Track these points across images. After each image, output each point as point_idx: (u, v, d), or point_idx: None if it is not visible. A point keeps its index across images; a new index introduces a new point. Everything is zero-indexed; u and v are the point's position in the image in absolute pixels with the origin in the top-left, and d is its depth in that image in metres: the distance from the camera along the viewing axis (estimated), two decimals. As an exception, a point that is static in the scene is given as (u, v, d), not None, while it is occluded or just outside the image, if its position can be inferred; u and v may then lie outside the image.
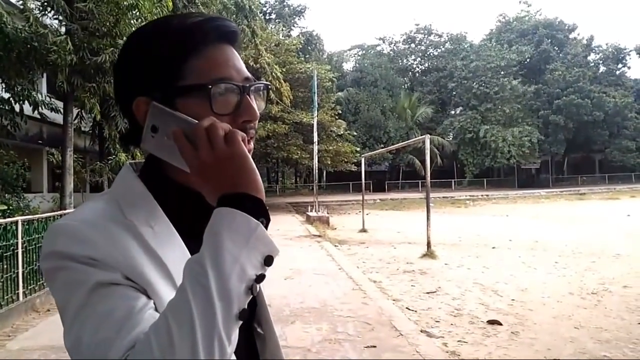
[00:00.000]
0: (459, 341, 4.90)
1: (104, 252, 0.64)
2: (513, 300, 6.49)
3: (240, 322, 0.60)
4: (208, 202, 0.67)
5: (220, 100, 0.71)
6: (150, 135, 0.68)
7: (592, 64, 47.77)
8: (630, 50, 48.38)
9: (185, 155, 0.65)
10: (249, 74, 0.76)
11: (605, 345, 4.70)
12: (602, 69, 48.15)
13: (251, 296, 0.61)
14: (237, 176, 0.64)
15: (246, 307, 0.60)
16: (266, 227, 0.64)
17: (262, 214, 0.63)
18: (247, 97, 0.74)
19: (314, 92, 20.92)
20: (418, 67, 55.77)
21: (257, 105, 0.77)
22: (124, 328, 0.59)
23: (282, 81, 24.77)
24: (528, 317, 5.71)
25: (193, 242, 0.69)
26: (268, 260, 0.62)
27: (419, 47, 54.83)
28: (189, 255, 0.69)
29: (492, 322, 5.46)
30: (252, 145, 0.75)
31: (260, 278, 0.61)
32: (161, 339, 0.56)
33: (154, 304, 0.64)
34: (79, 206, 0.74)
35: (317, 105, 22.62)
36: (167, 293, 0.66)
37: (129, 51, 0.76)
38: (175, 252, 0.70)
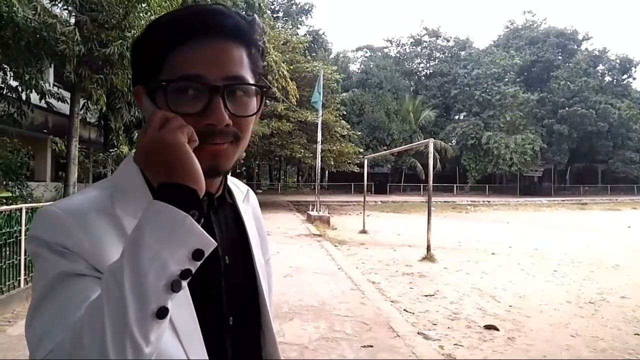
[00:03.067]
0: (455, 344, 4.93)
1: (76, 241, 0.64)
2: (510, 306, 6.52)
3: (162, 322, 0.57)
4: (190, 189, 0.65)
5: (182, 98, 0.70)
6: (142, 127, 0.71)
7: (599, 74, 47.59)
8: (638, 63, 48.19)
9: (137, 144, 0.67)
10: (235, 74, 0.72)
11: (600, 355, 4.73)
12: (607, 79, 47.97)
13: (174, 293, 0.57)
14: (170, 165, 0.62)
15: (168, 305, 0.57)
16: (199, 220, 0.60)
17: (193, 206, 0.60)
18: (218, 99, 0.70)
19: (320, 92, 20.94)
20: (423, 70, 55.70)
21: (243, 105, 0.74)
22: (66, 323, 0.58)
23: (289, 79, 24.77)
24: (525, 323, 5.73)
25: None
26: (197, 254, 0.59)
27: (425, 50, 54.77)
28: None
29: (489, 327, 5.48)
30: (225, 147, 0.73)
31: (186, 274, 0.58)
32: (73, 338, 0.55)
33: None
34: (77, 192, 0.76)
35: (322, 105, 22.62)
36: None
37: (136, 40, 0.78)
38: None
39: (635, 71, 48.89)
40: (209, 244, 0.60)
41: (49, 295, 0.63)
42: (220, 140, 0.72)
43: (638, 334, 5.37)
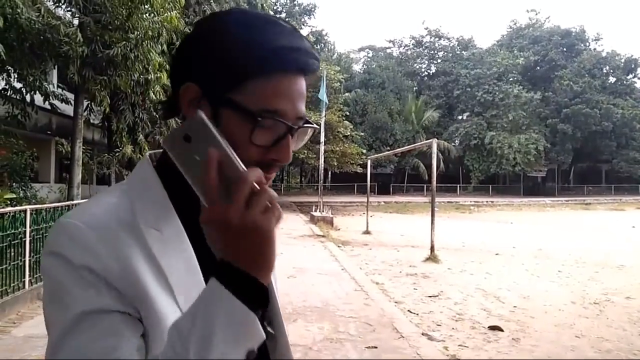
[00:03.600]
0: (459, 345, 4.92)
1: (103, 263, 0.63)
2: (515, 307, 6.50)
3: None
4: None
5: (262, 132, 0.67)
6: (179, 140, 0.61)
7: (604, 73, 47.38)
8: None
9: (210, 194, 0.59)
10: (303, 113, 0.72)
11: (605, 355, 4.71)
12: (612, 79, 47.77)
13: None
14: (254, 255, 0.59)
15: None
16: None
17: (262, 304, 0.59)
18: (289, 138, 0.69)
19: (323, 92, 20.94)
20: (426, 70, 55.66)
21: (295, 143, 0.73)
22: None
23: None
24: (529, 324, 5.71)
25: (201, 244, 0.69)
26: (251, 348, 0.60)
27: (427, 50, 54.74)
28: (196, 264, 0.69)
29: (493, 328, 5.47)
30: (270, 182, 0.71)
31: None
32: None
33: (147, 325, 0.64)
34: (92, 198, 0.73)
35: (326, 104, 22.62)
36: (164, 306, 0.65)
37: (207, 32, 0.71)
38: (180, 261, 0.68)
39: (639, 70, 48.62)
40: (261, 340, 0.60)
41: (69, 335, 0.61)
42: (273, 172, 0.71)
43: (643, 335, 5.35)
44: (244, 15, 0.71)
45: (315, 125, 0.76)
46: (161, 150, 0.75)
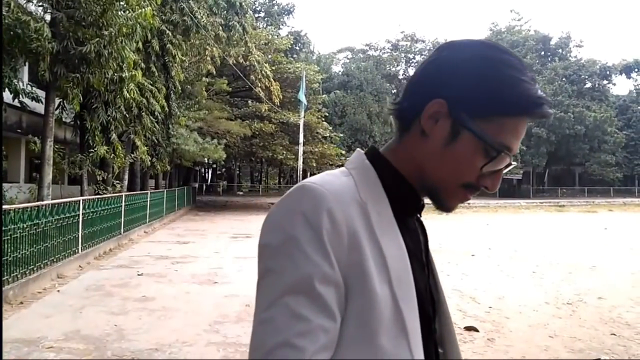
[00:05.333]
0: (435, 347, 4.91)
1: (337, 232, 0.66)
2: (490, 307, 6.55)
3: None
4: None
5: (492, 164, 0.74)
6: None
7: (581, 78, 48.35)
8: (618, 70, 49.19)
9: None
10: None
11: (578, 355, 4.76)
12: (588, 84, 48.80)
13: None
14: None
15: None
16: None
17: None
18: (502, 172, 0.77)
19: (303, 93, 20.90)
20: (403, 73, 56.13)
21: None
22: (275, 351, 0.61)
23: (272, 80, 24.69)
24: (504, 324, 5.76)
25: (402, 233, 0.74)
26: None
27: (403, 53, 55.20)
28: (405, 250, 0.72)
29: (469, 329, 5.49)
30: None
31: None
32: None
33: (355, 307, 0.66)
34: (324, 174, 0.76)
35: (305, 105, 22.58)
36: (377, 285, 0.66)
37: (472, 58, 0.75)
38: (394, 245, 0.71)
39: (614, 77, 49.84)
40: None
41: (272, 307, 0.63)
42: (474, 194, 0.79)
43: (614, 334, 5.44)
44: (505, 54, 0.76)
45: (514, 164, 0.82)
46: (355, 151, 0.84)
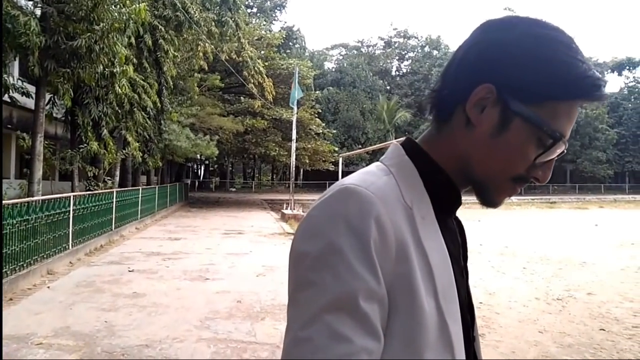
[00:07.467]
0: (426, 342, 4.93)
1: (384, 240, 0.60)
2: (481, 303, 6.59)
3: None
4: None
5: (547, 154, 0.69)
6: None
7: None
8: (610, 67, 49.59)
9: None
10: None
11: (567, 350, 4.81)
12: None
13: None
14: None
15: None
16: None
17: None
18: (553, 162, 0.72)
19: (295, 89, 20.84)
20: (396, 70, 56.21)
21: None
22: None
23: (265, 76, 24.60)
24: (495, 320, 5.80)
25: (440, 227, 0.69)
26: None
27: (396, 50, 55.24)
28: (447, 253, 0.67)
29: (459, 324, 5.52)
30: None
31: None
32: None
33: (394, 310, 0.60)
34: (363, 171, 0.71)
35: (297, 102, 22.53)
36: (427, 303, 0.61)
37: (522, 39, 0.67)
38: (439, 252, 0.66)
39: (606, 74, 50.18)
40: None
41: (307, 326, 0.57)
42: (522, 186, 0.74)
43: (603, 330, 5.50)
44: (556, 31, 0.68)
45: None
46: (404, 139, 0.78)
